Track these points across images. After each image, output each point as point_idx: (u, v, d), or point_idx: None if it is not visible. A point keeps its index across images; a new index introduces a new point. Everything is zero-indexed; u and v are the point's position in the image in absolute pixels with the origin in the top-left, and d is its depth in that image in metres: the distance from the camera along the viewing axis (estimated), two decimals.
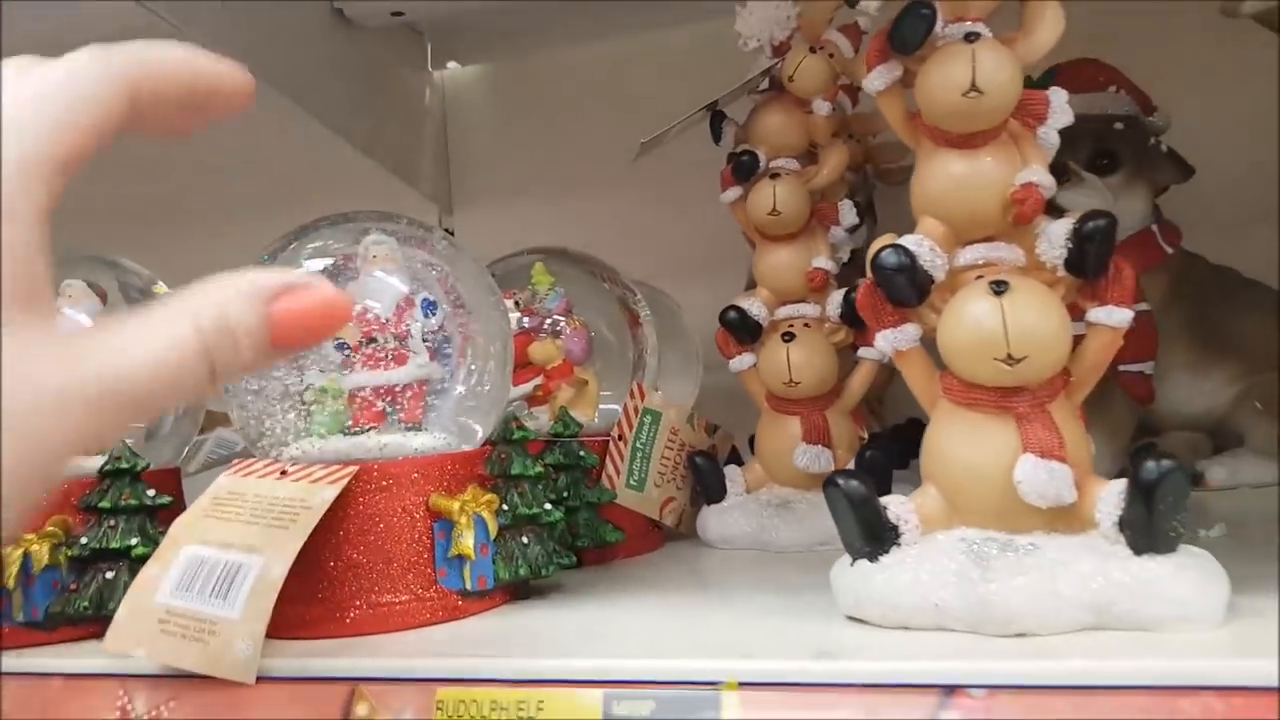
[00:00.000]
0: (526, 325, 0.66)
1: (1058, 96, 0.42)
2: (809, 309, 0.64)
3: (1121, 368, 0.70)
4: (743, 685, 0.34)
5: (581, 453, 0.60)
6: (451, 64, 1.13)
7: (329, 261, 0.50)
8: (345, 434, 0.49)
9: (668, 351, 0.86)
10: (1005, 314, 0.39)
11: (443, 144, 1.15)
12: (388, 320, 0.50)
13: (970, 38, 0.40)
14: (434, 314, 0.51)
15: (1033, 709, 0.31)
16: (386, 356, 0.50)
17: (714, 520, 0.63)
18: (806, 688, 0.34)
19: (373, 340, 0.50)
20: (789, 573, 0.53)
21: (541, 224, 1.06)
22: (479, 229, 1.09)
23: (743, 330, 0.65)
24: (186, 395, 0.24)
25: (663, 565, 0.60)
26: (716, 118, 0.67)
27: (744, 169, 0.64)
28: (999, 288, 0.39)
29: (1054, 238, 0.41)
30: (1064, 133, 0.75)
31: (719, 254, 0.82)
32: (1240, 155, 0.79)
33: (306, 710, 0.39)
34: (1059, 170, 0.72)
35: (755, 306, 0.64)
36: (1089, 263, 0.40)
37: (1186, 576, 0.36)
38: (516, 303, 0.66)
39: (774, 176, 0.63)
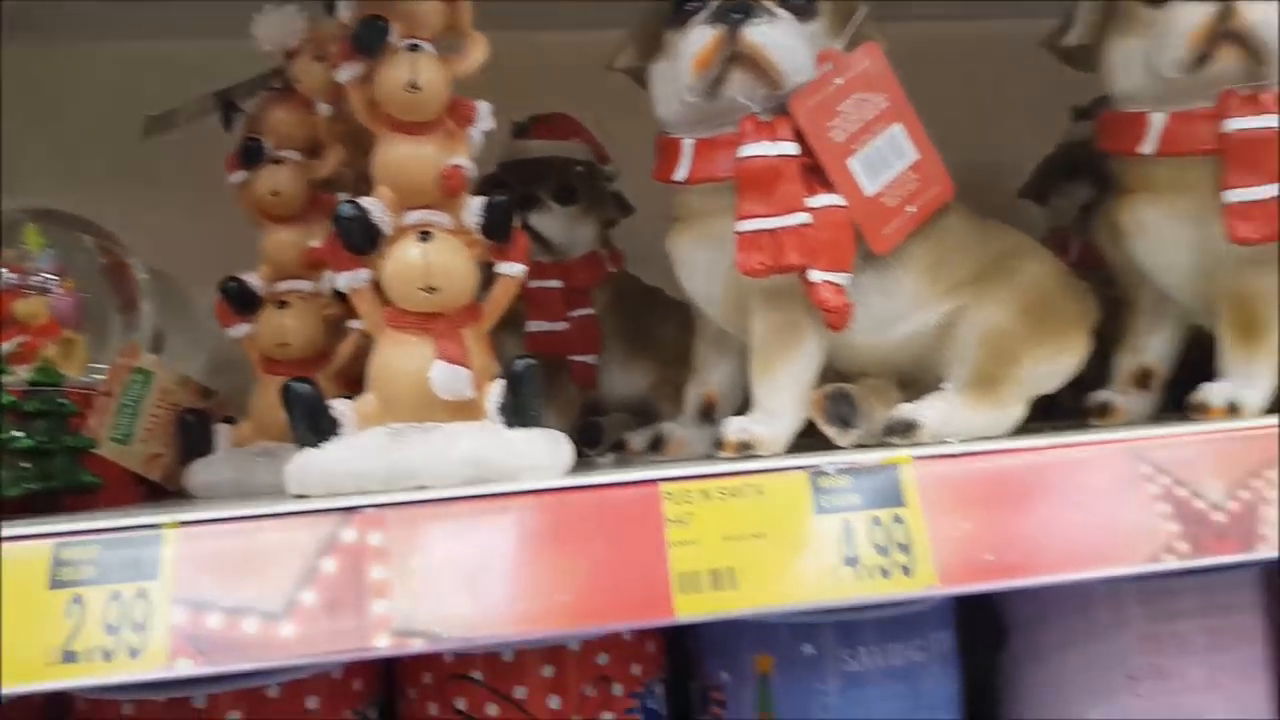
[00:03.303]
0: (13, 282, 0.69)
1: (484, 107, 0.58)
2: (304, 284, 0.74)
3: (572, 358, 0.90)
4: (183, 524, 0.44)
5: (61, 401, 0.64)
6: None
7: None
8: None
9: (176, 335, 0.91)
10: (428, 255, 0.53)
11: None
12: None
13: (413, 48, 0.55)
14: None
15: (407, 519, 0.45)
16: None
17: (199, 471, 0.70)
18: (233, 521, 0.44)
19: None
20: None
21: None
22: None
23: (241, 301, 0.73)
24: None
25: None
26: (228, 107, 0.76)
27: (249, 154, 0.73)
28: (424, 236, 0.53)
29: (473, 210, 0.56)
30: (535, 168, 0.95)
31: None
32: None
33: None
34: (530, 199, 0.91)
35: (254, 280, 0.74)
36: (495, 229, 0.56)
37: (540, 442, 0.52)
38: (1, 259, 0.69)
39: (277, 162, 0.73)
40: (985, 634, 0.61)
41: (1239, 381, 0.58)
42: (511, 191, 0.92)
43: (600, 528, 0.45)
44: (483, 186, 0.94)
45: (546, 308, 0.90)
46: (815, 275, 0.55)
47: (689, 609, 0.44)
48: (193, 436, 0.72)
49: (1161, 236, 0.61)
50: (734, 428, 0.56)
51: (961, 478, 0.48)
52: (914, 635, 0.53)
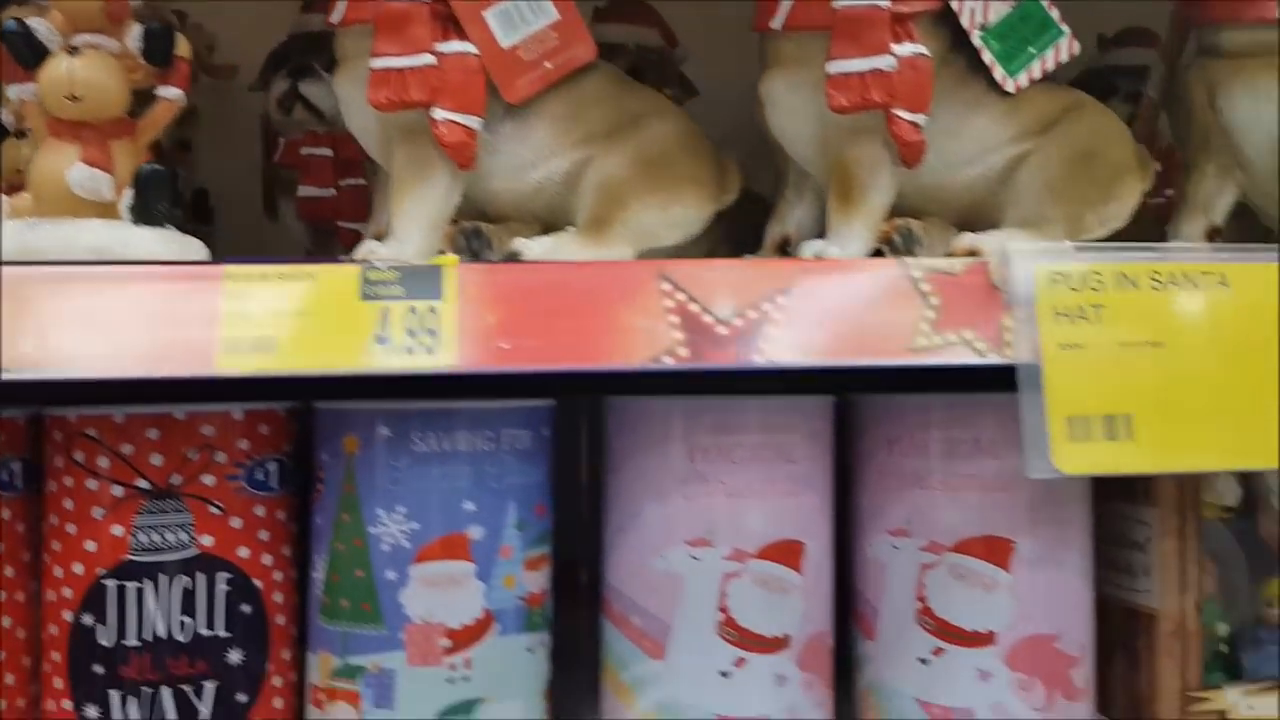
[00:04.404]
0: None
1: None
2: None
3: (341, 224, 0.98)
4: None
5: None
6: None
7: None
8: None
9: None
10: (73, 67, 0.60)
11: None
12: None
13: None
14: None
15: (20, 278, 0.52)
16: None
17: None
18: None
19: None
20: None
21: None
22: None
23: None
24: None
25: None
26: None
27: None
28: (72, 51, 0.61)
29: (134, 37, 0.63)
30: (315, 41, 1.01)
31: None
32: None
33: None
34: (304, 68, 0.98)
35: None
36: (155, 54, 0.63)
37: (162, 239, 0.59)
38: None
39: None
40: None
41: (833, 239, 0.66)
42: (290, 61, 0.99)
43: (164, 297, 0.53)
44: (270, 58, 1.02)
45: (317, 175, 0.98)
46: (438, 113, 0.63)
47: (228, 365, 0.52)
48: None
49: (787, 108, 0.68)
50: (362, 250, 0.63)
51: (500, 283, 0.56)
52: (483, 427, 0.62)
